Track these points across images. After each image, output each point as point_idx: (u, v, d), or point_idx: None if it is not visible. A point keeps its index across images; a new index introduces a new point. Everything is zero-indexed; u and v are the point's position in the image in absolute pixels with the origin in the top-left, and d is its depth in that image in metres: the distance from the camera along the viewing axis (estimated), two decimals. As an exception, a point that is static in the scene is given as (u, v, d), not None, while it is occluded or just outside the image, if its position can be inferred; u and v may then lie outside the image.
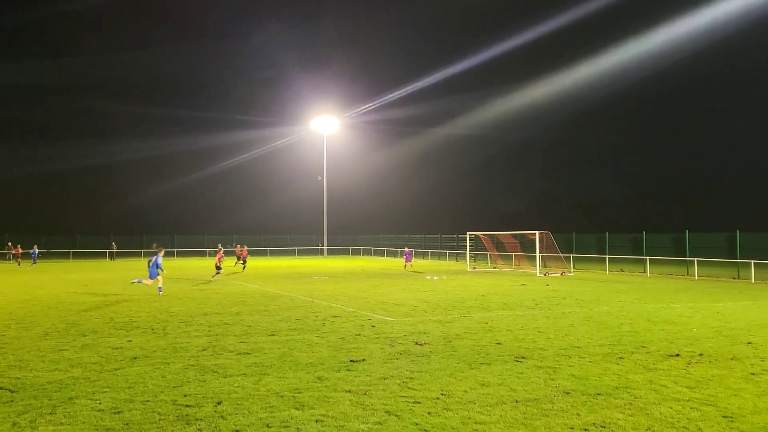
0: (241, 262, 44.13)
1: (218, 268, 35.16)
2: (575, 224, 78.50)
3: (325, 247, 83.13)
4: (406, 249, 46.49)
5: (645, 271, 39.28)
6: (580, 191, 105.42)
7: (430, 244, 69.51)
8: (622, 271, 41.76)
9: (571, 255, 44.23)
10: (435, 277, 35.83)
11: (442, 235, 69.61)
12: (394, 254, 73.48)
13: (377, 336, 14.80)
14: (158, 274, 25.18)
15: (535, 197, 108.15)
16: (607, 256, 42.70)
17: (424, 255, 68.15)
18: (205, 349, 13.38)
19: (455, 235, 66.27)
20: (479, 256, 54.86)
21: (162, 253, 26.25)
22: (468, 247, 49.75)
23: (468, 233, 49.71)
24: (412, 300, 23.25)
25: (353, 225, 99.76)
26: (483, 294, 25.49)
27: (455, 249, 63.44)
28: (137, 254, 72.85)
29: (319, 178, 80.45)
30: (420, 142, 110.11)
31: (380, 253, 77.33)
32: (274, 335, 14.99)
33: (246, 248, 45.48)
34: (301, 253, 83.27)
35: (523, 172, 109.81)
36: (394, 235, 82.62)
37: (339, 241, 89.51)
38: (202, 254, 76.74)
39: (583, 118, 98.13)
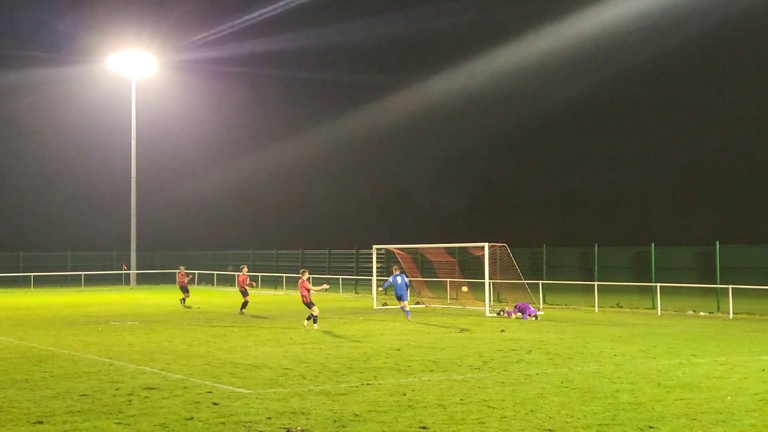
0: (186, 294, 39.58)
1: (244, 293, 32.88)
2: (548, 232, 65.90)
3: (132, 272, 64.04)
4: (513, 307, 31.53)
5: (654, 307, 34.15)
6: (554, 179, 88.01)
7: (313, 264, 53.81)
8: (619, 306, 35.91)
9: (540, 281, 37.74)
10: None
11: (332, 251, 56.09)
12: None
13: (222, 421, 12.35)
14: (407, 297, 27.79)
15: (483, 189, 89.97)
16: (596, 283, 36.07)
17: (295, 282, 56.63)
18: None
19: (353, 251, 53.41)
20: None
21: (398, 271, 27.51)
22: (375, 269, 38.71)
23: (375, 247, 39.78)
24: (281, 358, 19.24)
25: (182, 236, 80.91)
26: (399, 347, 21.29)
27: (353, 273, 51.17)
28: None
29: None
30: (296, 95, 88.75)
31: (227, 280, 58.65)
32: (42, 423, 12.25)
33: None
34: (92, 281, 62.71)
35: (462, 146, 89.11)
36: (252, 251, 64.59)
37: (158, 261, 70.13)
38: None
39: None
